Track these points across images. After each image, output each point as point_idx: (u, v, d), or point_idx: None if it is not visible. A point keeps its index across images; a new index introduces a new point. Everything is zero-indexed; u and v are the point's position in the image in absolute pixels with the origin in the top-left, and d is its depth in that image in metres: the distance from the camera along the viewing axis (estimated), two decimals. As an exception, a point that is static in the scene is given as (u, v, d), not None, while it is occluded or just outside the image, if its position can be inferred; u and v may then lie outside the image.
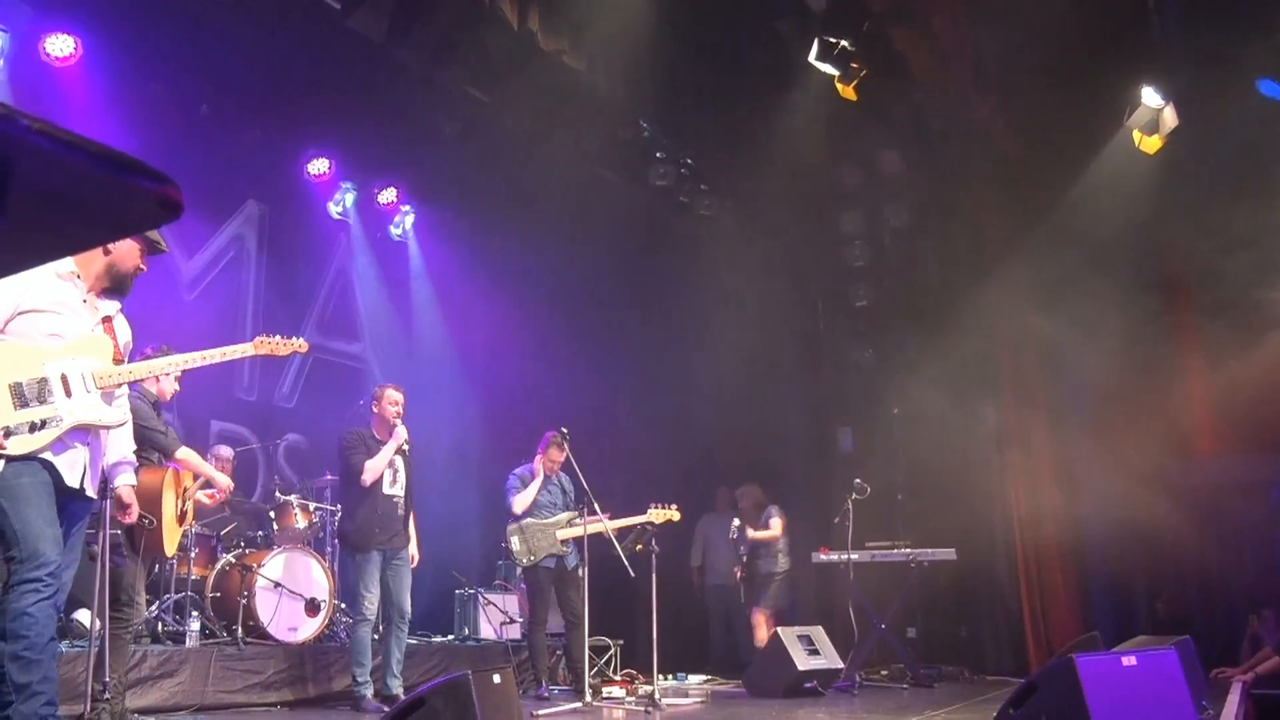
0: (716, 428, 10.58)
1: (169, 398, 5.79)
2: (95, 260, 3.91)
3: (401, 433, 6.75)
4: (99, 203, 0.72)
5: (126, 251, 3.95)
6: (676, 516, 7.66)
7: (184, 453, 5.50)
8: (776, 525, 9.19)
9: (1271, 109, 8.02)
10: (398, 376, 10.48)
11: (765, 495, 9.56)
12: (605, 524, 7.37)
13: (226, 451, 7.91)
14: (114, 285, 3.94)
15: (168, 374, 5.36)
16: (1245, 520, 8.84)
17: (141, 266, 4.03)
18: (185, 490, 5.54)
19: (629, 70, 8.80)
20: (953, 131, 9.51)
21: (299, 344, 4.72)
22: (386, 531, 6.64)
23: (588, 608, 7.40)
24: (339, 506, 8.21)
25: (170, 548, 5.36)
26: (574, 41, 8.13)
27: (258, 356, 4.60)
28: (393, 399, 6.86)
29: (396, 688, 6.55)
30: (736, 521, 9.30)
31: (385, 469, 6.69)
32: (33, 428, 3.60)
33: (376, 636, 7.00)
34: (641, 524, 7.47)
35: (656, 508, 7.57)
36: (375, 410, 6.88)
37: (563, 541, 7.69)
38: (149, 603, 6.64)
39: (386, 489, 6.72)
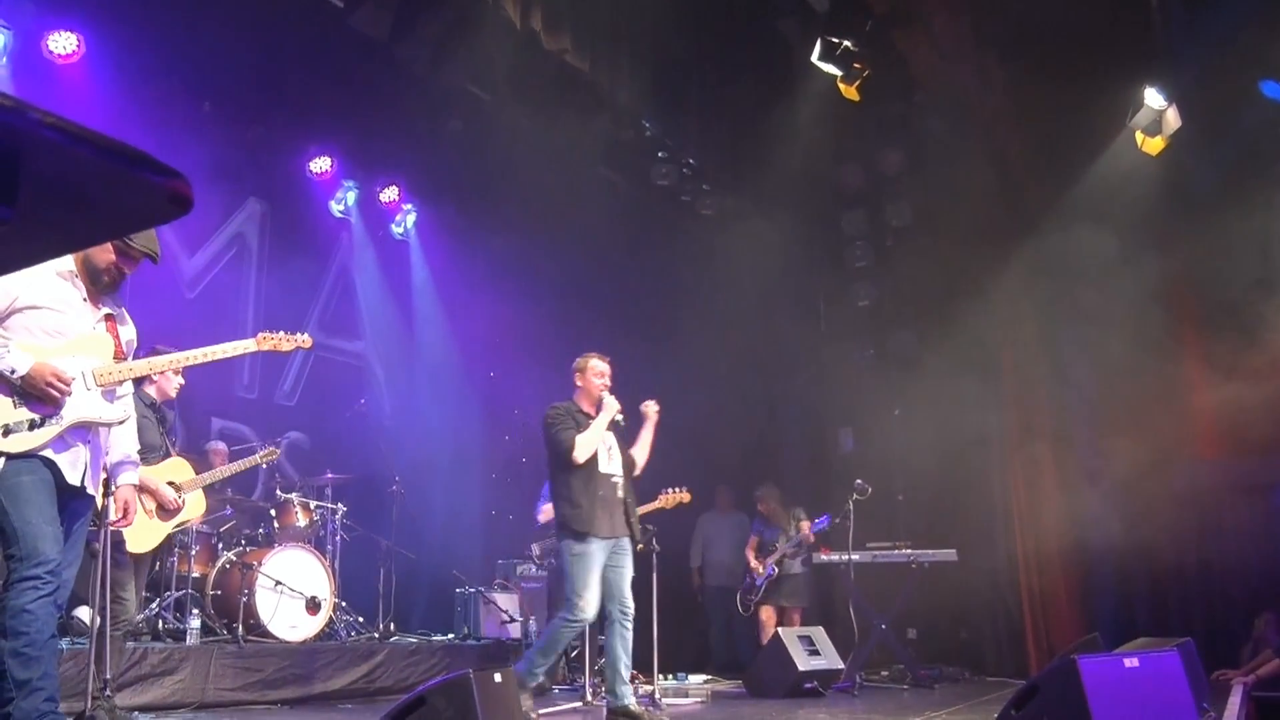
0: (717, 427, 10.57)
1: (173, 394, 5.81)
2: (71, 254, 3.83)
3: (612, 404, 6.04)
4: (108, 197, 0.72)
5: (99, 246, 3.84)
6: (687, 498, 7.58)
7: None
8: (806, 526, 9.14)
9: (1275, 111, 8.01)
10: (399, 375, 10.52)
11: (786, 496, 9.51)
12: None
13: (221, 446, 7.92)
14: (91, 280, 3.89)
15: (165, 372, 5.36)
16: (1247, 523, 8.83)
17: (122, 266, 3.90)
18: (176, 485, 5.57)
19: (631, 70, 8.80)
20: (955, 132, 9.52)
21: (303, 339, 4.70)
22: (609, 518, 5.91)
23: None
24: (340, 506, 8.24)
25: (135, 544, 5.33)
26: (576, 41, 8.12)
27: (260, 353, 4.58)
28: (597, 369, 6.18)
29: (628, 696, 5.81)
30: (805, 525, 9.14)
31: (599, 445, 5.99)
32: (32, 425, 3.60)
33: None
34: (642, 526, 7.49)
35: (668, 492, 7.52)
36: (579, 383, 6.19)
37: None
38: (149, 600, 6.66)
39: (603, 468, 5.99)
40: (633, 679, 8.39)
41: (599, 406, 6.03)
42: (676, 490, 7.53)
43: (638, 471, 6.31)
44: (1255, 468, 8.75)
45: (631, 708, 5.75)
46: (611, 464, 6.04)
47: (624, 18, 8.30)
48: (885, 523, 9.62)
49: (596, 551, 5.77)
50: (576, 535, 5.77)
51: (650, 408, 6.34)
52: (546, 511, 8.02)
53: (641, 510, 7.42)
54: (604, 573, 5.84)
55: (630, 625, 5.93)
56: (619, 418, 6.07)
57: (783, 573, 9.14)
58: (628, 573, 5.95)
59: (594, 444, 5.91)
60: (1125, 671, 4.06)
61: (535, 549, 8.34)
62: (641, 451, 6.30)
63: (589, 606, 5.73)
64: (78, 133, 0.68)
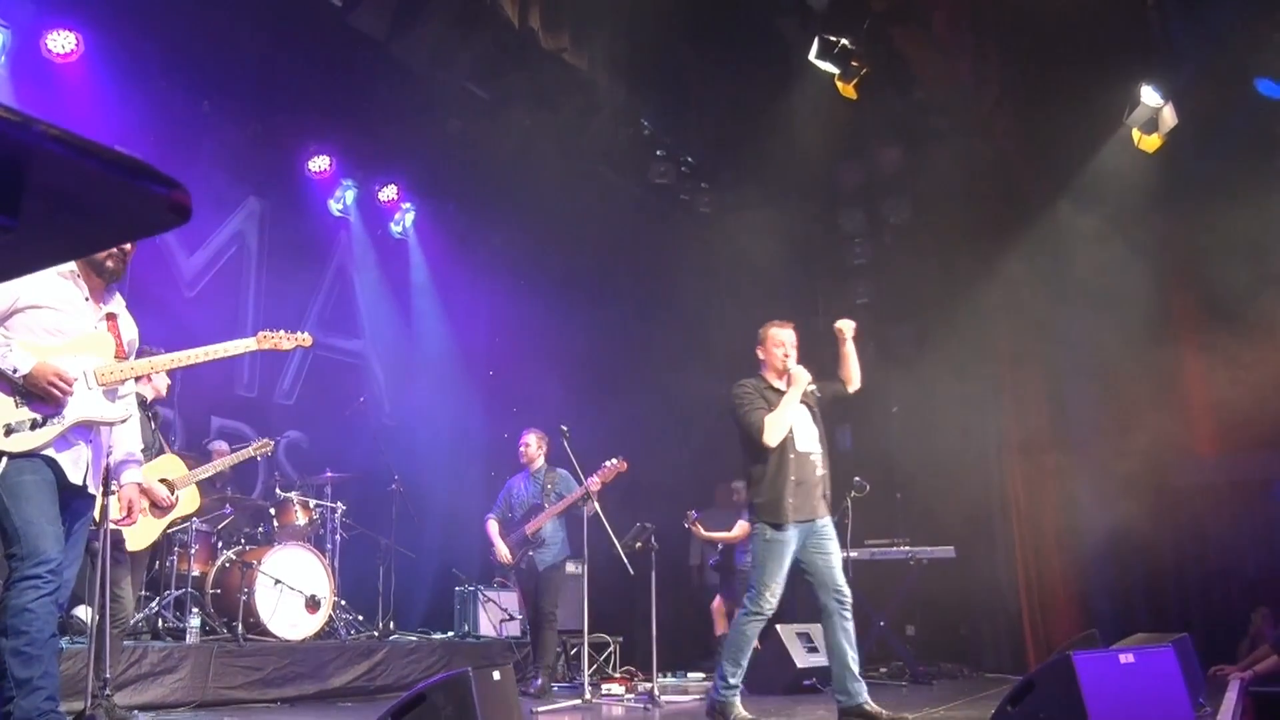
0: (715, 425, 10.56)
1: (165, 393, 5.87)
2: None
3: (802, 376, 5.55)
4: (111, 207, 0.74)
5: None
6: (624, 466, 7.48)
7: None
8: (741, 528, 9.09)
9: (1270, 108, 8.03)
10: (398, 374, 10.53)
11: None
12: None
13: (223, 446, 7.95)
14: (96, 273, 3.90)
15: (159, 372, 5.38)
16: (1244, 518, 8.86)
17: (120, 249, 3.90)
18: (168, 482, 5.60)
19: (630, 69, 8.82)
20: (952, 130, 9.53)
21: (303, 338, 4.70)
22: (805, 501, 5.40)
23: (587, 604, 7.33)
24: (339, 504, 8.24)
25: (132, 542, 5.37)
26: (575, 39, 8.13)
27: (260, 352, 4.58)
28: (777, 339, 5.70)
29: (862, 694, 5.29)
30: (696, 524, 9.06)
31: (791, 423, 5.49)
32: (34, 425, 3.61)
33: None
34: (641, 524, 7.51)
35: (605, 466, 7.43)
36: (761, 355, 5.75)
37: (532, 535, 7.80)
38: (148, 599, 6.69)
39: (800, 446, 5.48)
40: (631, 676, 8.47)
41: (789, 380, 5.57)
42: (615, 461, 7.47)
43: (854, 388, 5.91)
44: (1252, 464, 8.78)
45: (867, 707, 5.24)
46: (808, 440, 5.53)
47: (622, 16, 8.31)
48: (884, 520, 9.63)
49: (791, 540, 5.32)
50: (771, 524, 5.34)
51: (845, 325, 5.89)
52: (492, 528, 8.08)
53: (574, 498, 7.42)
54: (811, 561, 5.37)
55: (850, 615, 5.39)
56: (811, 388, 5.59)
57: (726, 566, 9.15)
58: (836, 557, 5.43)
59: (786, 423, 5.43)
60: (1121, 667, 4.07)
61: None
62: (854, 370, 5.91)
63: (774, 599, 5.31)
64: (80, 145, 0.69)
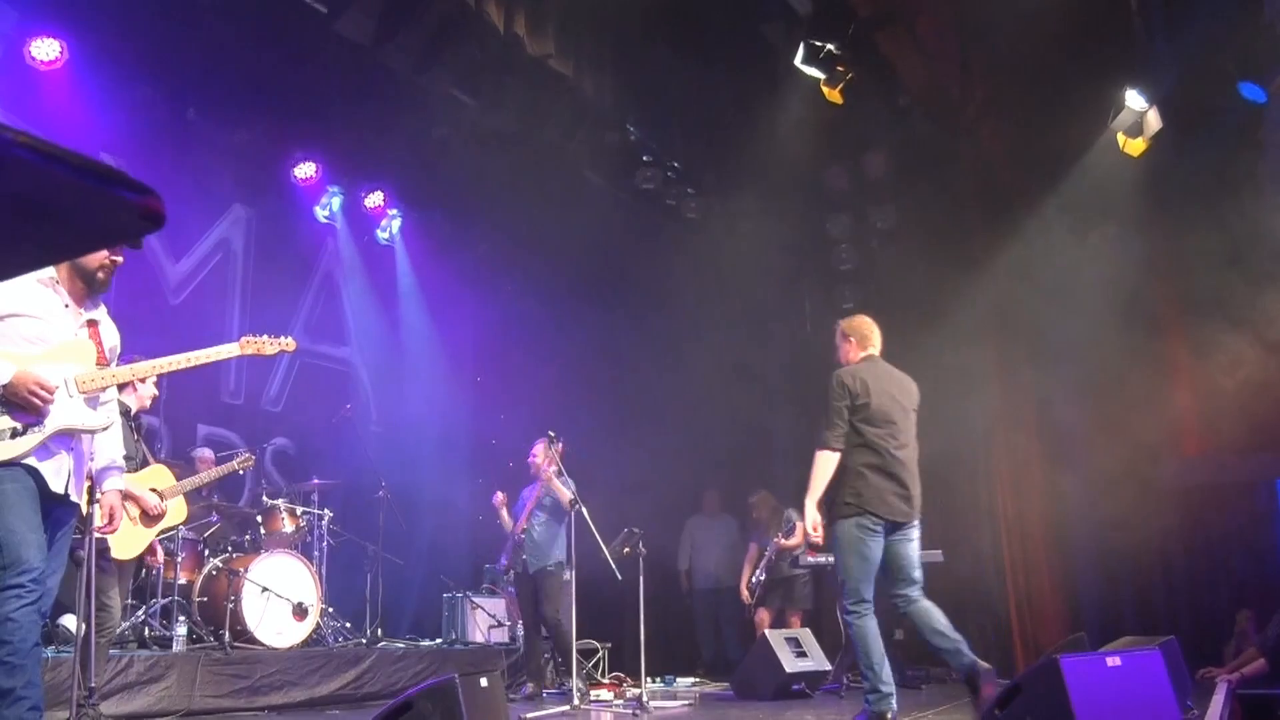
0: (704, 431, 10.59)
1: (149, 404, 5.85)
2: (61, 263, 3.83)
3: None
4: (82, 214, 0.73)
5: None
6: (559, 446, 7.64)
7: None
8: (801, 532, 9.11)
9: (1254, 112, 8.07)
10: (385, 381, 10.51)
11: (778, 500, 9.50)
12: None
13: (208, 454, 7.93)
14: (85, 283, 3.88)
15: (145, 379, 5.36)
16: (1231, 521, 8.88)
17: (112, 260, 3.88)
18: (157, 492, 5.58)
19: (616, 74, 8.83)
20: (938, 134, 9.55)
21: (286, 342, 4.67)
22: None
23: (575, 610, 7.32)
24: (326, 512, 8.21)
25: (120, 550, 5.35)
26: (560, 45, 8.13)
27: (244, 357, 4.56)
28: None
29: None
30: (781, 539, 9.08)
31: None
32: (14, 434, 3.59)
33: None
34: (629, 529, 7.51)
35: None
36: None
37: (520, 535, 7.79)
38: (134, 608, 6.65)
39: None
40: (620, 681, 8.45)
41: None
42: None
43: None
44: (1239, 465, 8.80)
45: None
46: None
47: (607, 22, 8.31)
48: (872, 524, 9.61)
49: None
50: None
51: None
52: (505, 520, 8.10)
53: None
54: None
55: None
56: None
57: (777, 576, 9.12)
58: None
59: None
60: (1108, 671, 4.08)
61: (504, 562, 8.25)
62: None
63: None
64: (51, 151, 0.69)
